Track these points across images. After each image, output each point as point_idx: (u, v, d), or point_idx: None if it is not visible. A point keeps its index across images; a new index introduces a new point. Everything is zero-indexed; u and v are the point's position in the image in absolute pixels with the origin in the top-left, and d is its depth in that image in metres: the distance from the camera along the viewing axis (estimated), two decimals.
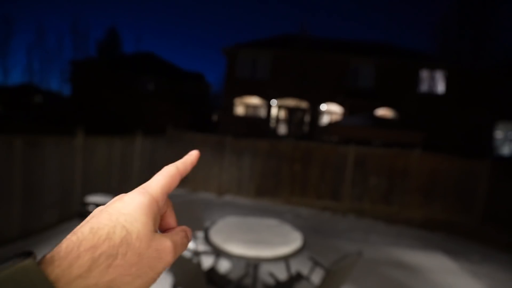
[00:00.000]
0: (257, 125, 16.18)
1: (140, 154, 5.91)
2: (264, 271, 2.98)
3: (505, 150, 14.57)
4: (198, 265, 1.87)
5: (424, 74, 15.14)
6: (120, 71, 18.51)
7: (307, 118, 16.73)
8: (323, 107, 16.63)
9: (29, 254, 0.22)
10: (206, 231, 2.44)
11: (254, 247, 2.18)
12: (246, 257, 2.09)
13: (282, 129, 17.05)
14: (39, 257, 0.23)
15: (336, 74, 15.84)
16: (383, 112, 15.52)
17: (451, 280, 3.53)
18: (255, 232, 2.46)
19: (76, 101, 19.14)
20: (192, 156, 0.32)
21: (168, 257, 0.27)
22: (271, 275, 2.44)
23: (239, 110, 17.58)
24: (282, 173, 6.42)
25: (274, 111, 17.06)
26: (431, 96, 14.54)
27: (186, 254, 2.33)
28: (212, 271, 2.42)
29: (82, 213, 4.18)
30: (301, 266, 3.04)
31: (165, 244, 0.27)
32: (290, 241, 2.34)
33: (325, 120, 16.70)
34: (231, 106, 16.69)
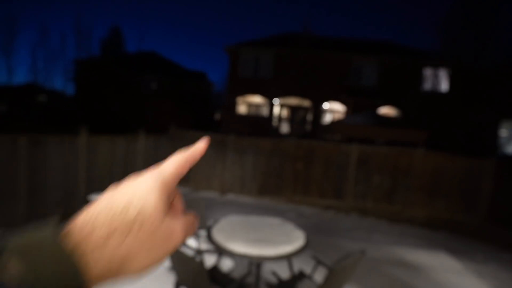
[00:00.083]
0: (259, 124, 16.17)
1: (143, 152, 5.93)
2: (267, 270, 2.98)
3: (509, 148, 14.44)
4: (201, 263, 1.88)
5: (427, 72, 15.03)
6: (123, 70, 18.57)
7: (309, 117, 16.69)
8: (326, 105, 16.57)
9: (50, 224, 0.23)
10: (208, 230, 2.44)
11: (256, 245, 2.18)
12: (249, 256, 2.09)
13: (285, 128, 17.03)
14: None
15: (338, 73, 15.77)
16: (386, 110, 15.44)
17: (455, 279, 3.52)
18: (257, 231, 2.46)
19: (79, 100, 19.25)
20: (201, 145, 0.33)
21: (177, 239, 0.29)
22: (274, 273, 2.45)
23: (242, 109, 17.57)
24: (285, 171, 6.41)
25: (276, 109, 17.04)
26: (435, 94, 14.43)
27: (189, 252, 2.34)
28: (215, 269, 2.42)
29: None
30: (304, 265, 3.04)
31: (175, 227, 0.29)
32: (293, 240, 2.34)
33: (327, 118, 16.65)
34: (233, 105, 16.69)
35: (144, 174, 0.29)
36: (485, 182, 5.74)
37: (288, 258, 2.17)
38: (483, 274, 3.69)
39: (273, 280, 2.71)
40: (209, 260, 2.92)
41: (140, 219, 0.25)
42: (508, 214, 5.41)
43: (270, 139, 6.61)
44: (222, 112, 19.72)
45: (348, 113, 15.46)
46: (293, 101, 16.70)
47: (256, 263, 2.28)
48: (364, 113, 9.55)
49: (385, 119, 9.12)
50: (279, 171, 6.44)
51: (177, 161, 0.31)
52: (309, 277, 2.40)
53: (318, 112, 16.41)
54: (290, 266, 2.59)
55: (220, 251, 2.19)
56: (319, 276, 2.74)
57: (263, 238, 2.32)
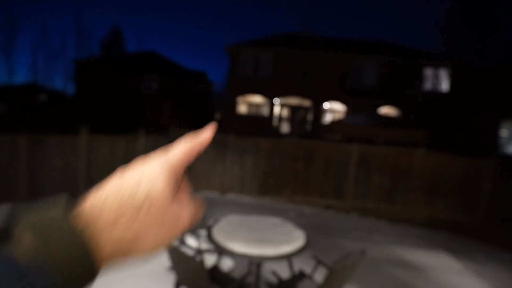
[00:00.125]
0: (259, 124, 16.16)
1: (143, 152, 5.93)
2: (267, 270, 2.98)
3: (510, 148, 14.43)
4: (201, 263, 1.88)
5: (428, 72, 15.01)
6: (123, 69, 18.57)
7: (309, 117, 16.69)
8: (326, 105, 16.57)
9: (61, 203, 0.23)
10: (209, 229, 2.44)
11: (257, 245, 2.18)
12: (249, 256, 2.09)
13: (285, 128, 17.03)
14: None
15: (339, 73, 15.77)
16: (386, 110, 15.44)
17: (455, 279, 3.51)
18: (258, 231, 2.46)
19: (79, 100, 19.24)
20: (208, 132, 0.33)
21: (184, 224, 0.29)
22: (274, 273, 2.45)
23: (242, 108, 17.57)
24: (285, 171, 6.41)
25: (276, 109, 17.04)
26: (435, 94, 14.41)
27: (189, 252, 2.34)
28: (215, 269, 2.42)
29: None
30: (304, 264, 3.04)
31: (182, 212, 0.29)
32: (293, 239, 2.34)
33: (328, 118, 16.65)
34: (233, 104, 16.69)
35: (152, 159, 0.29)
36: (485, 182, 5.73)
37: (288, 258, 2.17)
38: (483, 274, 3.69)
39: (273, 279, 2.71)
40: (209, 260, 2.92)
41: (148, 203, 0.26)
42: (508, 214, 5.41)
43: (270, 139, 6.61)
44: (222, 111, 19.72)
45: (348, 113, 15.45)
46: (293, 101, 16.70)
47: (256, 262, 2.28)
48: (364, 113, 9.56)
49: (385, 119, 9.12)
50: (279, 171, 6.44)
51: (185, 147, 0.31)
52: (309, 277, 2.40)
53: (318, 112, 16.41)
54: (290, 266, 2.59)
55: (220, 250, 2.19)
56: (319, 276, 2.74)
57: (263, 238, 2.32)
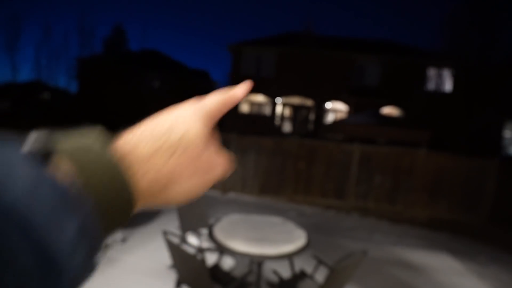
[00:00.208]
0: (261, 123, 16.16)
1: None
2: (268, 269, 2.99)
3: None
4: (202, 261, 1.89)
5: (431, 72, 14.93)
6: (126, 68, 18.61)
7: (311, 116, 16.66)
8: (328, 105, 16.53)
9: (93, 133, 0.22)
10: (210, 228, 2.45)
11: (258, 244, 2.18)
12: (250, 255, 2.10)
13: (287, 127, 17.01)
14: None
15: (341, 72, 15.72)
16: (388, 110, 15.38)
17: (456, 280, 3.51)
18: (259, 230, 2.47)
19: (82, 98, 19.32)
20: (243, 87, 0.32)
21: (219, 169, 0.29)
22: (275, 272, 2.45)
23: (244, 107, 17.57)
24: (286, 171, 6.41)
25: (279, 108, 17.02)
26: (438, 94, 14.34)
27: (191, 250, 2.35)
28: (216, 268, 2.43)
29: None
30: (305, 264, 3.04)
31: (217, 158, 0.29)
32: (294, 239, 2.34)
33: (330, 118, 16.61)
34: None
35: (186, 105, 0.28)
36: (488, 183, 5.70)
37: (289, 257, 2.18)
38: (484, 276, 3.68)
39: (274, 279, 2.71)
40: (211, 259, 2.93)
41: (184, 143, 0.25)
42: (510, 215, 5.38)
43: (272, 138, 6.61)
44: None
45: (350, 112, 15.41)
46: (296, 100, 16.67)
47: (257, 262, 2.29)
48: (366, 113, 9.53)
49: (388, 118, 9.09)
50: (280, 170, 6.44)
51: (220, 98, 0.30)
52: (310, 277, 2.41)
53: (321, 111, 16.37)
54: (291, 266, 2.59)
55: (221, 249, 2.20)
56: (320, 275, 2.74)
57: (264, 237, 2.32)
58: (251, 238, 2.29)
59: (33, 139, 0.19)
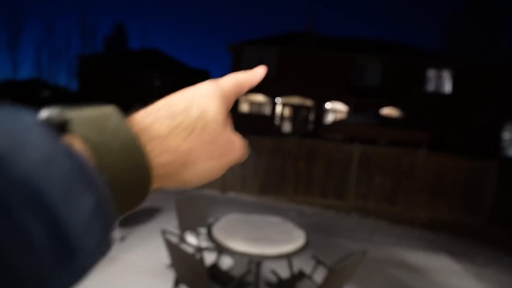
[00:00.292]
0: (261, 123, 16.16)
1: None
2: (267, 269, 2.98)
3: None
4: (201, 261, 1.88)
5: (431, 72, 14.93)
6: (127, 66, 18.61)
7: (311, 116, 16.66)
8: (328, 105, 16.53)
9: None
10: (209, 228, 2.44)
11: (257, 244, 2.18)
12: (249, 255, 2.09)
13: (287, 127, 17.01)
14: None
15: (341, 72, 15.72)
16: (388, 111, 15.38)
17: (455, 281, 3.50)
18: (258, 230, 2.47)
19: (83, 96, 19.32)
20: (260, 70, 0.31)
21: (238, 151, 0.28)
22: (274, 272, 2.45)
23: (244, 107, 17.57)
24: (286, 170, 6.41)
25: (278, 108, 17.02)
26: (438, 95, 14.34)
27: (189, 250, 2.35)
28: (215, 267, 2.43)
29: None
30: (304, 264, 3.04)
31: (236, 138, 0.28)
32: (293, 239, 2.34)
33: (330, 118, 16.61)
34: (235, 103, 16.70)
35: (203, 84, 0.27)
36: (487, 184, 5.70)
37: (288, 257, 2.17)
38: (483, 277, 3.68)
39: (272, 279, 2.71)
40: (209, 258, 2.93)
41: (201, 123, 0.24)
42: (510, 217, 5.38)
43: (272, 138, 6.60)
44: None
45: (350, 112, 15.41)
46: (296, 100, 16.67)
47: (256, 261, 2.29)
48: (366, 113, 9.51)
49: (388, 119, 9.08)
50: (280, 170, 6.43)
51: (236, 79, 0.29)
52: (309, 277, 2.40)
53: (321, 111, 16.37)
54: (290, 266, 2.59)
55: (220, 249, 2.20)
56: (319, 276, 2.74)
57: (263, 237, 2.32)
58: (250, 238, 2.28)
59: (47, 110, 0.18)
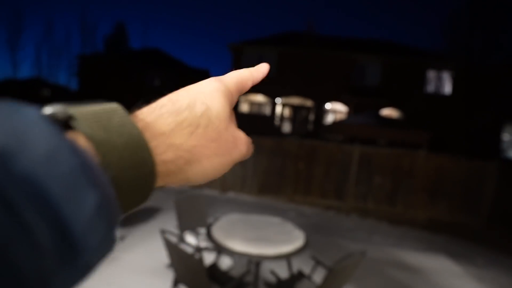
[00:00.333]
0: (261, 123, 16.16)
1: None
2: (266, 269, 2.98)
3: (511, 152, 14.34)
4: (200, 261, 1.88)
5: (431, 73, 14.94)
6: (127, 66, 18.60)
7: (311, 117, 16.66)
8: (328, 105, 16.53)
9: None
10: (208, 228, 2.44)
11: (256, 244, 2.18)
12: (248, 255, 2.09)
13: (287, 127, 17.01)
14: None
15: (341, 73, 15.72)
16: (388, 111, 15.38)
17: (455, 283, 3.50)
18: (257, 230, 2.46)
19: (83, 95, 19.32)
20: (264, 67, 0.31)
21: (242, 148, 0.27)
22: (273, 273, 2.44)
23: (244, 107, 17.56)
24: (286, 171, 6.40)
25: (278, 109, 17.02)
26: (438, 96, 14.35)
27: (188, 249, 2.35)
28: (214, 267, 2.42)
29: None
30: (303, 264, 3.04)
31: (241, 135, 0.27)
32: (293, 239, 2.34)
33: (329, 118, 16.61)
34: (235, 103, 16.71)
35: (206, 81, 0.27)
36: (487, 185, 5.70)
37: (287, 257, 2.17)
38: (483, 279, 3.67)
39: (272, 279, 2.71)
40: (208, 258, 2.93)
41: (205, 120, 0.24)
42: (510, 218, 5.38)
43: (272, 138, 6.60)
44: None
45: (350, 113, 15.42)
46: (296, 100, 16.67)
47: (255, 262, 2.28)
48: (366, 114, 9.50)
49: (388, 120, 9.07)
50: (280, 170, 6.43)
51: (240, 76, 0.29)
52: (308, 277, 2.40)
53: (321, 111, 16.37)
54: (289, 266, 2.59)
55: (220, 249, 2.19)
56: (318, 276, 2.74)
57: (263, 237, 2.32)
58: (249, 238, 2.28)
59: (51, 107, 0.18)
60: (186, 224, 2.93)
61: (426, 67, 14.93)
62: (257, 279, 2.28)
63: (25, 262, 0.12)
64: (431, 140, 8.08)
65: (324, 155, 6.27)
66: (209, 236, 2.32)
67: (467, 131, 11.18)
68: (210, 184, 6.69)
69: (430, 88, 14.87)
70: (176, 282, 2.22)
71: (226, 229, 2.42)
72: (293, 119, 17.05)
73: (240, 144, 0.27)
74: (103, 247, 0.16)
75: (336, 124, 10.08)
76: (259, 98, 17.19)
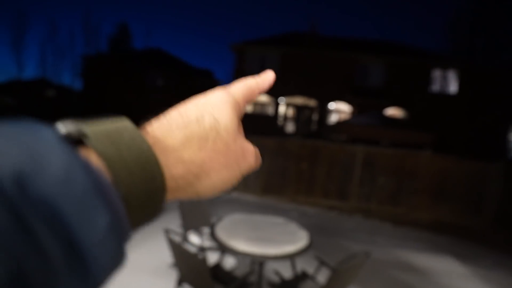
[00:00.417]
0: (264, 123, 16.15)
1: None
2: (269, 269, 2.97)
3: None
4: (204, 260, 1.88)
5: (436, 73, 14.83)
6: (130, 66, 18.70)
7: (315, 117, 16.62)
8: (332, 105, 16.48)
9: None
10: (212, 227, 2.44)
11: (259, 244, 2.17)
12: (251, 255, 2.09)
13: (290, 127, 16.99)
14: None
15: (345, 73, 15.66)
16: (392, 111, 15.29)
17: (460, 284, 3.47)
18: (261, 230, 2.46)
19: (87, 95, 19.45)
20: (270, 75, 0.31)
21: (251, 159, 0.27)
22: (277, 273, 2.44)
23: (247, 107, 17.56)
24: (289, 171, 6.39)
25: (282, 109, 17.00)
26: (442, 96, 14.23)
27: (192, 249, 2.35)
28: (218, 267, 2.42)
29: None
30: (306, 265, 3.03)
31: (249, 146, 0.28)
32: (296, 239, 2.33)
33: (333, 118, 16.56)
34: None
35: (213, 92, 0.27)
36: (492, 186, 5.64)
37: (291, 258, 2.16)
38: (490, 280, 3.64)
39: (275, 279, 2.70)
40: (212, 258, 2.93)
41: (215, 130, 0.24)
42: None
43: (275, 138, 6.59)
44: None
45: (354, 113, 15.35)
46: (299, 100, 16.64)
47: (259, 262, 2.28)
48: (370, 114, 9.47)
49: (392, 120, 9.03)
50: (283, 171, 6.42)
51: (247, 85, 0.29)
52: (312, 278, 2.39)
53: (324, 112, 16.32)
54: (293, 266, 2.58)
55: (223, 249, 2.19)
56: (322, 277, 2.72)
57: (266, 237, 2.31)
58: (252, 238, 2.28)
59: (62, 124, 0.18)
60: (190, 223, 2.93)
61: (430, 67, 14.82)
62: (261, 279, 2.27)
63: (37, 280, 0.13)
64: (435, 141, 8.03)
65: (327, 155, 6.25)
66: (213, 236, 2.32)
67: (471, 131, 11.08)
68: None
69: (435, 88, 14.76)
70: (179, 282, 2.23)
71: (229, 229, 2.42)
72: (297, 119, 17.02)
73: (248, 155, 0.27)
74: (113, 264, 0.17)
75: (339, 124, 10.05)
76: (262, 98, 17.19)
